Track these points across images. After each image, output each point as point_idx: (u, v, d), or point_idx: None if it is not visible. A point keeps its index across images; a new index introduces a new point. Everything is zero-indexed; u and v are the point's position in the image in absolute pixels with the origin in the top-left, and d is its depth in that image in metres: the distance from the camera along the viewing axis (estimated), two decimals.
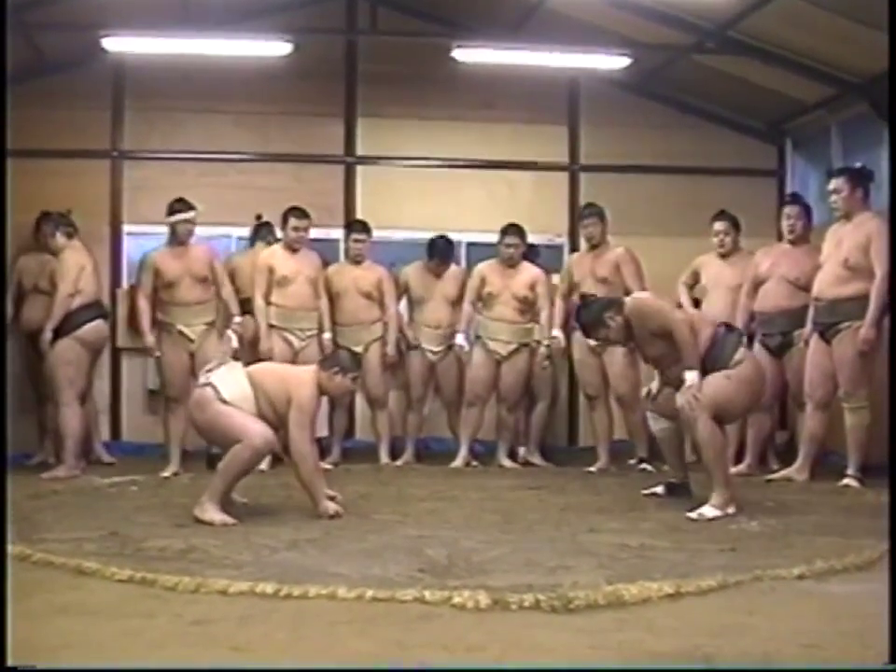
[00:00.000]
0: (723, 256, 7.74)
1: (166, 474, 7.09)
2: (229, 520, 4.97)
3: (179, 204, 7.35)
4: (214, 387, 5.19)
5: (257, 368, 5.56)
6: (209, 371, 5.38)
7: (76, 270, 7.33)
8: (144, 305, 7.34)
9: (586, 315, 5.86)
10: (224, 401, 5.14)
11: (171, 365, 7.33)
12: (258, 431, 5.08)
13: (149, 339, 7.31)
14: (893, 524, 4.02)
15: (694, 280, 7.91)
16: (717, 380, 5.44)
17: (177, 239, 7.35)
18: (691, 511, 5.28)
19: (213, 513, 4.99)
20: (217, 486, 5.10)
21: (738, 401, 5.53)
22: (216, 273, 7.46)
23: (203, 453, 7.48)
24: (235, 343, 6.77)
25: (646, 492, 6.04)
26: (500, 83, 9.16)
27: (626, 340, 5.90)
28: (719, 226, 7.76)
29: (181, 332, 7.31)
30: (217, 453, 7.23)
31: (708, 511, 5.25)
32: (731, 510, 5.31)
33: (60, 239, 7.47)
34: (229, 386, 5.19)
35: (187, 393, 7.30)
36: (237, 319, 7.46)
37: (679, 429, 5.87)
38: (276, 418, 5.19)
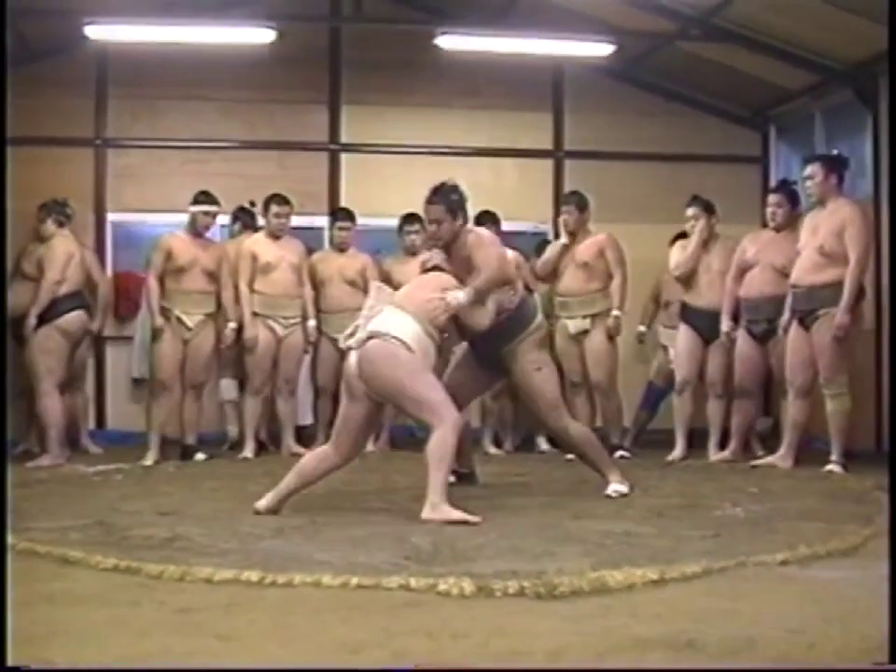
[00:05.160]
0: (703, 242, 7.65)
1: (147, 463, 7.09)
2: (471, 518, 4.56)
3: (203, 196, 7.41)
4: (397, 339, 4.83)
5: (402, 297, 5.17)
6: (370, 316, 4.93)
7: (64, 257, 7.35)
8: (154, 285, 7.32)
9: (448, 190, 5.34)
10: (410, 349, 4.83)
11: (163, 350, 7.31)
12: (452, 414, 4.78)
13: (159, 320, 7.28)
14: (893, 525, 4.01)
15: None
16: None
17: (195, 229, 7.39)
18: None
19: (451, 512, 4.59)
20: (440, 480, 4.68)
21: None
22: (223, 273, 7.48)
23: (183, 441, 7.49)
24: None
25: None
26: (485, 70, 9.15)
27: (441, 245, 5.41)
28: (692, 211, 7.65)
29: (179, 319, 7.30)
30: (191, 444, 7.29)
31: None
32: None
33: (50, 226, 7.49)
34: (405, 332, 4.87)
35: (175, 381, 7.33)
36: (232, 325, 7.49)
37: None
38: (440, 335, 5.05)
